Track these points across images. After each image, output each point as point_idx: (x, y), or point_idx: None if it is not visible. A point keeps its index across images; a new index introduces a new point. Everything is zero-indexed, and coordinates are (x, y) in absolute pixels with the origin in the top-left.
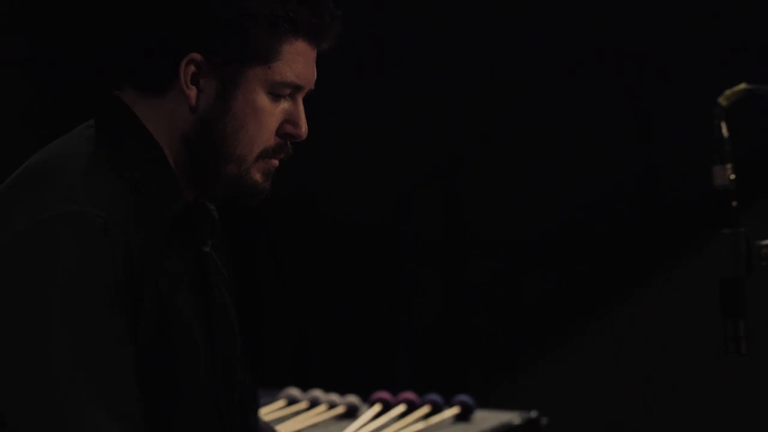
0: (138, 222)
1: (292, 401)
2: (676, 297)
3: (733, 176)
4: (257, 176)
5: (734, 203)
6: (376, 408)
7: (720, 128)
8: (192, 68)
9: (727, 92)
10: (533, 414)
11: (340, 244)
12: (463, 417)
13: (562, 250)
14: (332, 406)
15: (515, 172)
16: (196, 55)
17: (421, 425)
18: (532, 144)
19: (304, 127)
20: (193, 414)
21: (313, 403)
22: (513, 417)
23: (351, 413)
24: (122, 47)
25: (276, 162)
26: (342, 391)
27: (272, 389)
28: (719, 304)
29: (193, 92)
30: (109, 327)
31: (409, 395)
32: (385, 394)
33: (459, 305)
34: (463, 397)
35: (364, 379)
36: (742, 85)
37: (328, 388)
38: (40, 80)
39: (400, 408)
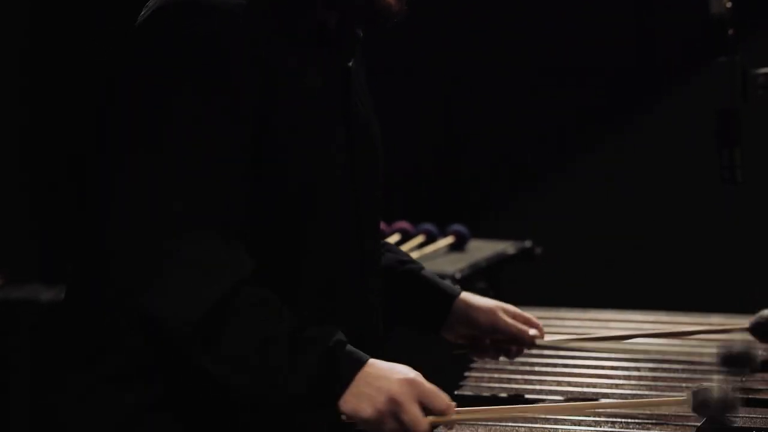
0: (274, 36)
1: None
2: (672, 126)
3: (729, 4)
4: None
5: (731, 31)
6: None
7: None
8: None
9: None
10: (527, 244)
11: None
12: (457, 246)
13: (556, 79)
14: None
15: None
16: None
17: (415, 254)
18: None
19: None
20: (324, 224)
21: None
22: (507, 246)
23: None
24: None
25: None
26: None
27: None
28: (715, 133)
29: None
30: (222, 113)
31: (404, 225)
32: None
33: (453, 135)
34: (458, 227)
35: None
36: None
37: None
38: None
39: (395, 237)
